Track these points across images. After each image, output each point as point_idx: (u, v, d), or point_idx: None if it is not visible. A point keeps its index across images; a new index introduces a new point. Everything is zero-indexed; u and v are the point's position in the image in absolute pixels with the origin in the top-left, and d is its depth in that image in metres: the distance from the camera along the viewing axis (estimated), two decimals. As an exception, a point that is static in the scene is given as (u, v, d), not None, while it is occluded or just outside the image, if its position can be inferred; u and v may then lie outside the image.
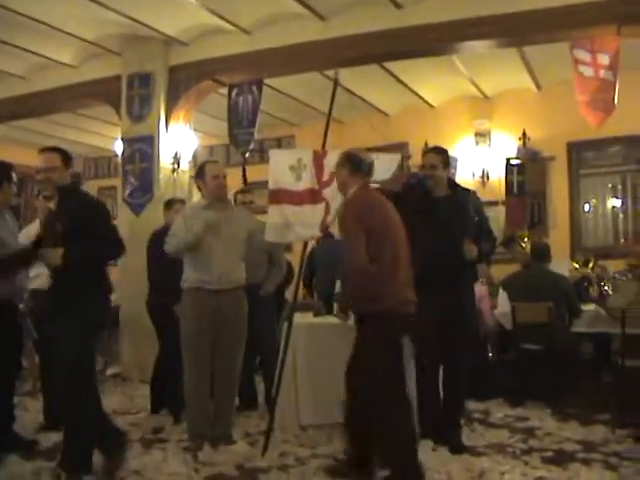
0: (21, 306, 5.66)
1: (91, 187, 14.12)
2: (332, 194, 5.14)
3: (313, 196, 5.25)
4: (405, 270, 4.38)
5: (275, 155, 5.64)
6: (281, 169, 5.34)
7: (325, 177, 5.25)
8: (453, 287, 5.06)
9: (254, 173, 9.25)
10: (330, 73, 8.81)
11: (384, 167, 5.23)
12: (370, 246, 4.24)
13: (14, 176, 5.30)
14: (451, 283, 5.05)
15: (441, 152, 5.31)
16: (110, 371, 8.88)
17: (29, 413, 6.68)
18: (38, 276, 5.48)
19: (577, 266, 8.50)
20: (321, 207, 5.22)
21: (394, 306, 4.29)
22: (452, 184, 5.38)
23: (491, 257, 5.49)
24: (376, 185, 5.03)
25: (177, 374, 5.83)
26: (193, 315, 5.20)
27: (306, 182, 5.28)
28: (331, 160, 5.18)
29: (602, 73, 6.89)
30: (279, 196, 5.29)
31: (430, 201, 5.20)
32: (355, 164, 4.56)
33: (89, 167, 14.56)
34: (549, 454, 4.95)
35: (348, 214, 4.43)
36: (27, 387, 7.75)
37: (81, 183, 12.93)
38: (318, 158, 5.29)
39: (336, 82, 5.54)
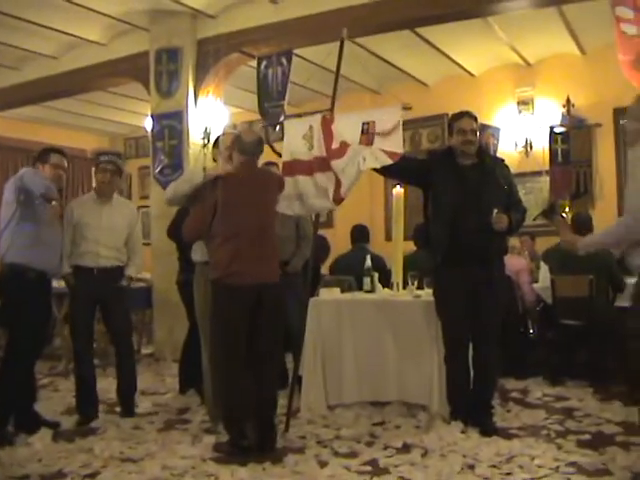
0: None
1: (132, 166, 14.17)
2: (342, 166, 4.90)
3: (323, 164, 4.99)
4: (244, 243, 4.53)
5: (289, 124, 5.43)
6: (295, 139, 5.16)
7: (335, 144, 4.98)
8: (482, 258, 4.81)
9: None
10: (363, 41, 8.65)
11: (385, 121, 4.96)
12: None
13: (54, 158, 5.18)
14: (480, 254, 4.79)
15: (474, 116, 5.02)
16: (144, 350, 8.82)
17: (59, 393, 6.64)
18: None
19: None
20: (331, 175, 4.96)
21: (224, 276, 4.51)
22: (481, 152, 5.12)
23: (518, 229, 5.19)
24: (399, 151, 4.82)
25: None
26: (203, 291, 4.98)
27: (316, 150, 5.05)
28: (340, 126, 5.00)
29: (647, 31, 6.48)
30: (293, 167, 5.10)
31: (458, 169, 4.93)
32: (237, 145, 4.69)
33: (130, 146, 14.53)
34: (586, 437, 4.66)
35: None
36: (60, 367, 7.74)
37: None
38: (326, 123, 5.04)
39: (342, 42, 5.24)
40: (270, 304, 4.64)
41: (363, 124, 4.99)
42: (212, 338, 4.67)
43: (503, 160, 5.26)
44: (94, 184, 5.78)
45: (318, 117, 5.15)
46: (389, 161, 4.78)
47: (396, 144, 4.87)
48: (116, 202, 5.80)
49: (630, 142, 3.85)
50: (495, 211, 4.71)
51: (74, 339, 5.69)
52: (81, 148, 13.52)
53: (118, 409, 5.76)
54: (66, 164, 5.29)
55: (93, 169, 5.82)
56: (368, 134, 4.96)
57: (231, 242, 4.53)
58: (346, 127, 5.05)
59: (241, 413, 4.53)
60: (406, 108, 5.01)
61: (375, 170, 5.00)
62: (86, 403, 5.55)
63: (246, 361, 4.53)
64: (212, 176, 4.66)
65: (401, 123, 4.94)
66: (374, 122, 4.97)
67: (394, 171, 4.99)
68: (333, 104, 5.19)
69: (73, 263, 5.54)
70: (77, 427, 5.31)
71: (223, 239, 4.55)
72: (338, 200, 5.00)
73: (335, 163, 4.93)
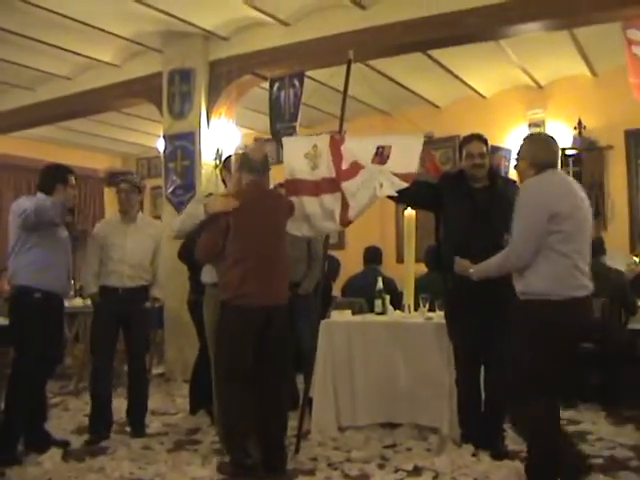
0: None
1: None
2: (353, 189, 4.87)
3: (331, 185, 4.95)
4: (255, 265, 4.55)
5: (288, 143, 5.33)
6: (296, 157, 5.08)
7: (345, 165, 4.94)
8: (493, 281, 4.73)
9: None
10: (375, 63, 8.70)
11: (407, 151, 4.92)
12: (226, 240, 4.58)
13: (72, 179, 5.25)
14: (491, 281, 4.71)
15: (484, 139, 4.99)
16: (155, 371, 8.82)
17: (69, 412, 6.64)
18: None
19: (638, 260, 8.10)
20: (338, 196, 4.92)
21: (230, 298, 4.53)
22: (493, 174, 5.09)
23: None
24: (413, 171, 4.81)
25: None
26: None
27: (323, 170, 5.00)
28: (351, 147, 4.95)
29: (657, 54, 6.52)
30: (295, 187, 5.04)
31: (469, 192, 4.92)
32: (244, 164, 4.73)
33: (142, 166, 14.60)
34: (599, 461, 4.60)
35: None
36: (70, 387, 7.74)
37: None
38: (335, 144, 5.00)
39: (349, 63, 5.25)
40: (279, 325, 4.65)
41: (378, 147, 4.92)
42: (216, 356, 4.73)
43: (515, 182, 5.23)
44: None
45: (326, 137, 5.12)
46: (404, 185, 4.76)
47: (411, 165, 4.85)
48: (141, 222, 5.84)
49: (519, 181, 4.19)
50: (506, 236, 4.67)
51: (95, 357, 5.75)
52: (94, 168, 13.60)
53: (128, 429, 5.75)
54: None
55: (115, 190, 5.87)
56: (382, 156, 4.89)
57: (241, 264, 4.54)
58: (358, 148, 5.00)
59: (242, 430, 4.53)
60: (429, 137, 5.00)
61: (389, 197, 4.98)
62: (99, 422, 5.56)
63: (255, 381, 4.54)
64: (214, 210, 4.66)
65: (419, 153, 4.95)
66: (390, 147, 4.90)
67: (407, 197, 4.97)
68: (342, 125, 5.19)
69: (100, 283, 5.59)
70: (87, 446, 5.31)
71: (234, 261, 4.56)
72: (346, 222, 4.97)
73: (346, 185, 4.90)
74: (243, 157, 4.80)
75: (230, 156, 5.38)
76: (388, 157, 4.88)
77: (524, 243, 3.82)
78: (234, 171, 4.92)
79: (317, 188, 4.99)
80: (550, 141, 4.13)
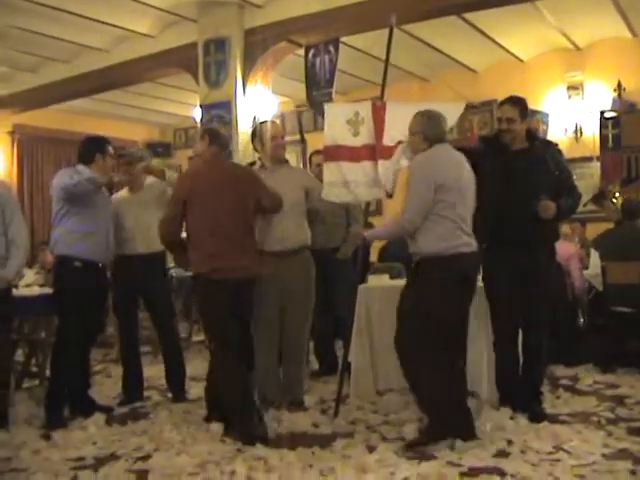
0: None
1: (181, 157, 14.33)
2: (383, 169, 4.88)
3: (372, 152, 4.94)
4: (221, 238, 4.60)
5: (331, 109, 5.30)
6: (338, 123, 5.05)
7: (385, 140, 4.90)
8: (528, 245, 4.75)
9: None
10: (410, 28, 8.63)
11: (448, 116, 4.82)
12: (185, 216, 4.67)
13: (110, 149, 5.37)
14: (526, 241, 4.74)
15: (518, 102, 4.90)
16: (196, 337, 8.94)
17: (111, 379, 6.78)
18: None
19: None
20: (381, 163, 4.91)
21: (206, 272, 4.59)
22: (531, 136, 5.01)
23: (572, 215, 5.12)
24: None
25: None
26: (259, 278, 4.94)
27: (364, 137, 4.98)
28: (393, 115, 4.92)
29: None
30: (336, 152, 5.01)
31: (506, 155, 4.88)
32: (212, 137, 4.80)
33: (179, 137, 14.71)
34: (637, 424, 4.59)
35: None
36: (113, 355, 7.88)
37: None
38: (377, 111, 4.96)
39: (392, 29, 5.17)
40: (250, 297, 4.76)
41: None
42: (205, 331, 4.92)
43: (557, 145, 5.14)
44: None
45: (367, 104, 5.08)
46: None
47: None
48: (148, 188, 5.83)
49: (414, 154, 4.54)
50: (542, 199, 4.65)
51: (119, 323, 6.06)
52: (132, 139, 13.72)
53: (170, 394, 5.89)
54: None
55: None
56: None
57: (206, 240, 4.62)
58: (400, 117, 4.88)
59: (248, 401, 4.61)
60: (471, 106, 4.99)
61: None
62: (129, 385, 5.82)
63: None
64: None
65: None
66: None
67: None
68: (383, 92, 5.12)
69: (116, 253, 5.65)
70: (119, 407, 5.54)
71: (197, 239, 4.66)
72: (388, 193, 4.97)
73: (382, 163, 4.90)
74: (210, 130, 4.91)
75: (260, 123, 5.41)
76: None
77: (415, 210, 4.29)
78: (202, 142, 4.90)
79: (358, 154, 4.98)
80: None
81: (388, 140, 4.92)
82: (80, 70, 10.29)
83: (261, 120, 8.51)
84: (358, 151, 5.00)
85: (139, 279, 5.66)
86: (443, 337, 4.27)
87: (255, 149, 5.42)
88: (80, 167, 5.22)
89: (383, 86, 5.17)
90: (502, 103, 4.97)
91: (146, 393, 5.96)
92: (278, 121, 6.21)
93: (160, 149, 14.45)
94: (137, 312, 6.00)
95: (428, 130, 4.40)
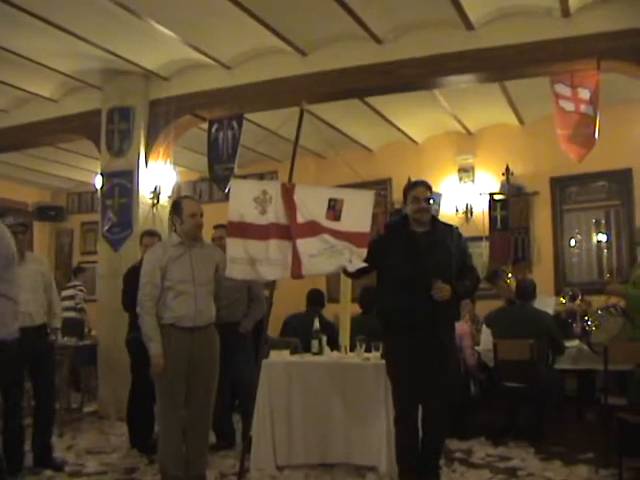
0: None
1: (74, 222, 14.10)
2: (311, 251, 4.96)
3: (280, 232, 5.00)
4: None
5: (237, 185, 5.27)
6: (244, 200, 5.03)
7: (300, 219, 5.00)
8: (430, 323, 4.89)
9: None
10: (311, 108, 8.86)
11: (359, 207, 5.09)
12: None
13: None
14: (428, 319, 4.87)
15: (429, 186, 5.16)
16: (87, 408, 8.71)
17: None
18: None
19: (564, 301, 8.41)
20: (288, 245, 4.98)
21: None
22: (432, 220, 5.22)
23: (473, 294, 5.34)
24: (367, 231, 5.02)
25: (149, 412, 5.99)
26: (168, 353, 4.95)
27: (270, 216, 5.02)
28: (303, 197, 5.04)
29: (583, 108, 6.87)
30: (241, 229, 4.98)
31: (410, 236, 5.06)
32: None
33: (72, 201, 14.48)
34: (530, 496, 4.81)
35: None
36: None
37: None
38: (287, 192, 5.04)
39: (302, 112, 5.36)
40: None
41: (330, 200, 5.04)
42: None
43: (457, 228, 5.34)
44: None
45: (276, 184, 5.17)
46: (364, 253, 4.96)
47: (365, 224, 5.03)
48: (29, 259, 5.80)
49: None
50: (438, 282, 4.82)
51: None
52: (22, 201, 13.46)
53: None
54: None
55: None
56: (335, 210, 5.02)
57: None
58: (310, 199, 5.06)
59: None
60: (380, 195, 5.15)
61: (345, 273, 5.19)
62: None
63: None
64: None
65: (371, 209, 5.16)
66: (342, 201, 5.04)
67: (366, 271, 5.12)
68: (291, 173, 5.25)
69: None
70: None
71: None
72: (296, 275, 4.98)
73: (301, 242, 4.95)
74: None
75: (179, 199, 5.43)
76: (341, 211, 5.02)
77: None
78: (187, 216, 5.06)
79: (265, 233, 5.00)
80: None
81: (300, 218, 5.01)
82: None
83: (162, 191, 8.67)
84: (265, 229, 5.02)
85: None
86: None
87: (172, 223, 5.38)
88: None
89: (292, 168, 5.28)
90: (415, 185, 5.16)
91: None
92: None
93: (52, 212, 14.19)
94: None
95: None
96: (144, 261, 5.27)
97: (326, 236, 4.99)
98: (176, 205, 5.26)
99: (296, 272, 4.98)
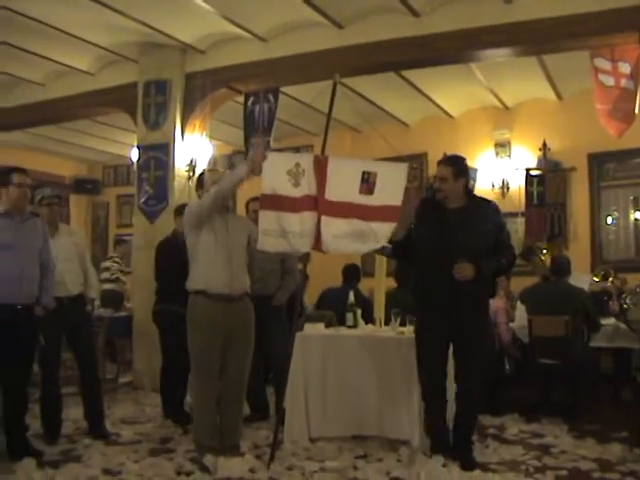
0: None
1: (110, 194, 14.23)
2: (336, 232, 5.00)
3: (312, 203, 5.00)
4: None
5: (271, 157, 5.13)
6: (278, 173, 5.00)
7: (329, 196, 5.00)
8: (461, 302, 4.85)
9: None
10: (347, 81, 8.84)
11: (392, 180, 5.07)
12: None
13: (14, 178, 5.08)
14: (453, 301, 4.85)
15: (452, 163, 5.06)
16: (123, 379, 8.84)
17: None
18: None
19: (597, 280, 8.34)
20: (316, 216, 5.01)
21: None
22: (469, 195, 5.18)
23: (508, 273, 5.28)
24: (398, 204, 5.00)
25: (180, 383, 6.16)
26: (204, 324, 5.01)
27: (304, 188, 5.00)
28: (336, 170, 5.03)
29: (623, 82, 6.76)
30: (274, 202, 4.97)
31: (442, 213, 5.03)
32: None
33: (108, 174, 14.60)
34: (563, 472, 4.78)
35: None
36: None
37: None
38: (319, 164, 5.01)
39: (335, 85, 5.30)
40: None
41: (364, 173, 5.02)
42: None
43: (495, 203, 5.25)
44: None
45: (309, 157, 5.18)
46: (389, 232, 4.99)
47: (397, 197, 5.03)
48: (63, 231, 5.90)
49: None
50: (461, 261, 4.76)
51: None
52: (59, 174, 13.59)
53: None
54: (29, 181, 5.21)
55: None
56: (369, 184, 5.00)
57: None
58: (343, 172, 5.04)
59: None
60: (413, 168, 5.12)
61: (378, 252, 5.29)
62: None
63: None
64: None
65: (404, 182, 5.13)
66: (376, 174, 5.02)
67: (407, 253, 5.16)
68: (324, 146, 5.20)
69: None
70: (61, 454, 5.34)
71: None
72: (317, 248, 5.03)
73: (327, 220, 4.98)
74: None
75: (203, 173, 5.48)
76: (375, 184, 5.00)
77: None
78: (211, 185, 5.10)
79: (298, 205, 5.00)
80: None
81: (330, 195, 5.01)
82: (14, 103, 10.15)
83: (198, 164, 8.69)
84: (298, 202, 5.01)
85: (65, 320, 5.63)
86: None
87: (199, 197, 5.45)
88: None
89: (325, 140, 5.23)
90: (438, 163, 5.15)
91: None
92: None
93: (89, 186, 14.34)
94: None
95: None
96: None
97: (355, 221, 5.00)
98: (200, 179, 5.45)
99: (316, 246, 5.02)
